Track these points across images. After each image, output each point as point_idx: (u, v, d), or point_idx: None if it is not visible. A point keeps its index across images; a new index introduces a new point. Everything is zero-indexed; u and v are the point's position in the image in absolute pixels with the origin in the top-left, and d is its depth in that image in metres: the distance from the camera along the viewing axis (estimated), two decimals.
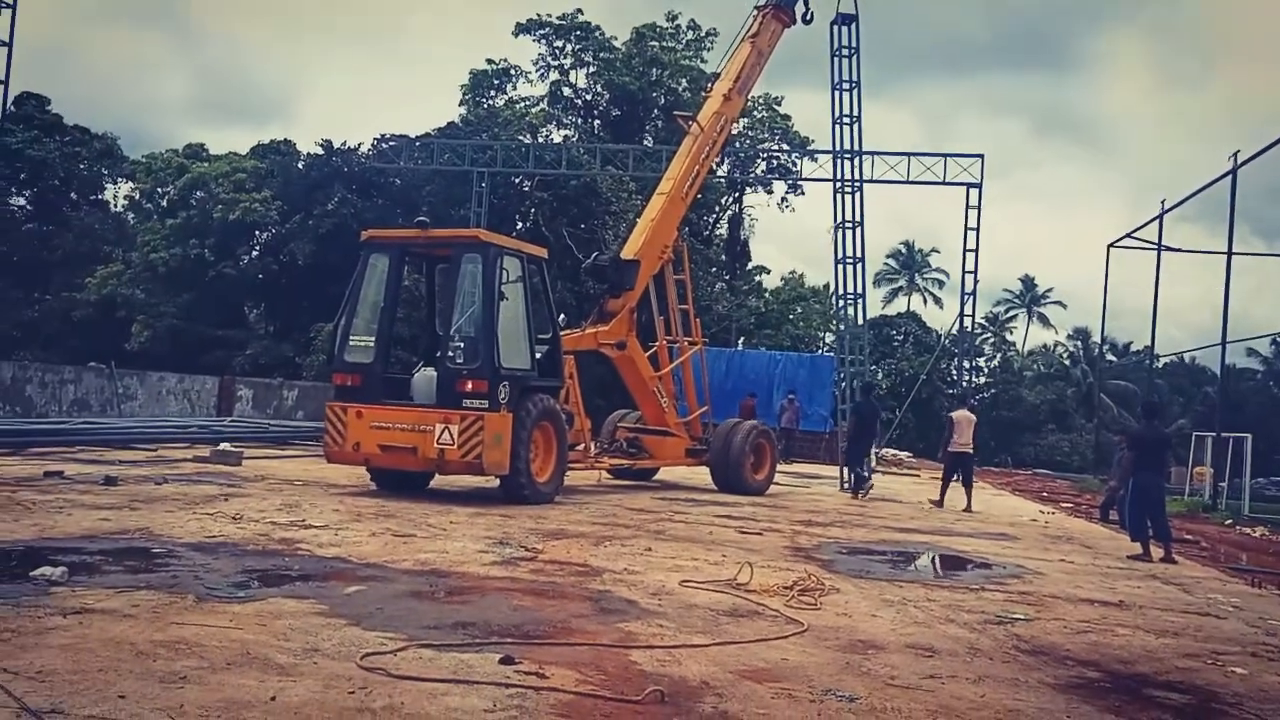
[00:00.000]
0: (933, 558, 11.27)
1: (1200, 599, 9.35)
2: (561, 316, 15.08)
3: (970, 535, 13.66)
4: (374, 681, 4.78)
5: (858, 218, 23.32)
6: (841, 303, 24.32)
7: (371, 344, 13.40)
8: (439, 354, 13.32)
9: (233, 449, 16.22)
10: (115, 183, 46.50)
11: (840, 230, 23.26)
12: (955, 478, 18.57)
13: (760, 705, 4.85)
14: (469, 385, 12.67)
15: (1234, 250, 24.03)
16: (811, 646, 6.18)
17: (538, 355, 13.73)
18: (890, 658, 6.03)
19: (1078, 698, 5.41)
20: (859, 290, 23.77)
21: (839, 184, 23.80)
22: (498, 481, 13.26)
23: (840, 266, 23.39)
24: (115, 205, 47.59)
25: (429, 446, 12.53)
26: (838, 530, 13.06)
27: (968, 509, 17.57)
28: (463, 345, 13.01)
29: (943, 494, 18.34)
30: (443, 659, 5.28)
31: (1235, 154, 23.28)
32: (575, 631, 6.16)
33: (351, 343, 13.51)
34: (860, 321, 25.16)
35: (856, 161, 23.75)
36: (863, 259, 23.49)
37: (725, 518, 13.38)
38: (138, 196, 44.52)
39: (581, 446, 15.51)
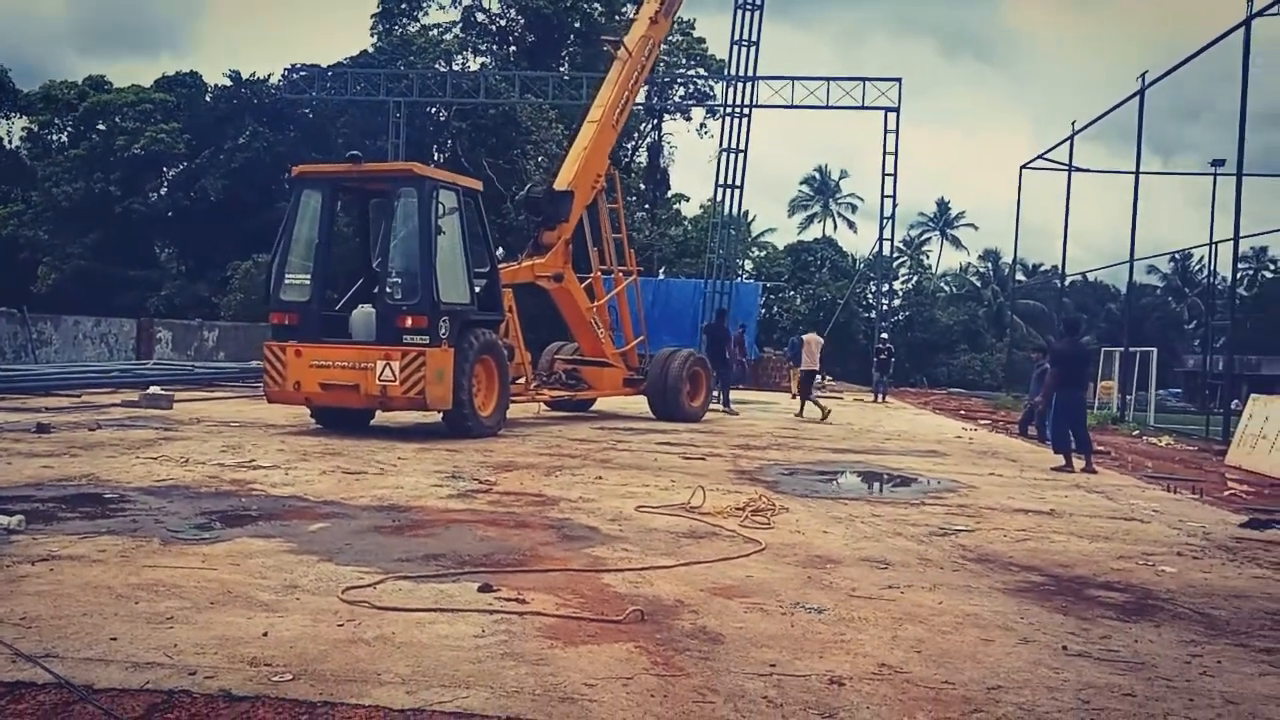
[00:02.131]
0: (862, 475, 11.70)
1: (1123, 505, 9.88)
2: (499, 250, 15.01)
3: (901, 453, 14.14)
4: (360, 614, 4.88)
5: (743, 144, 23.64)
6: (724, 230, 24.86)
7: (308, 282, 13.22)
8: (376, 290, 13.21)
9: (163, 392, 15.94)
10: (8, 118, 44.46)
11: (725, 155, 23.61)
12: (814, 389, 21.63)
13: (735, 619, 5.07)
14: (409, 321, 12.61)
15: (1142, 170, 24.81)
16: (772, 563, 6.43)
17: (476, 289, 13.69)
18: (848, 571, 6.31)
19: (1028, 600, 5.75)
20: (736, 215, 24.33)
21: (729, 109, 24.00)
22: (440, 416, 13.30)
23: (720, 191, 23.82)
24: (9, 142, 45.58)
25: (371, 383, 12.51)
26: (775, 453, 13.41)
27: (800, 415, 20.80)
28: (401, 281, 12.94)
29: (803, 407, 21.28)
30: (422, 590, 5.39)
31: (1144, 75, 23.87)
32: (544, 558, 6.32)
33: (287, 281, 13.31)
34: (723, 249, 25.92)
35: (750, 86, 23.92)
36: (742, 185, 23.94)
37: (666, 444, 13.63)
38: (36, 129, 42.63)
39: (522, 380, 15.57)
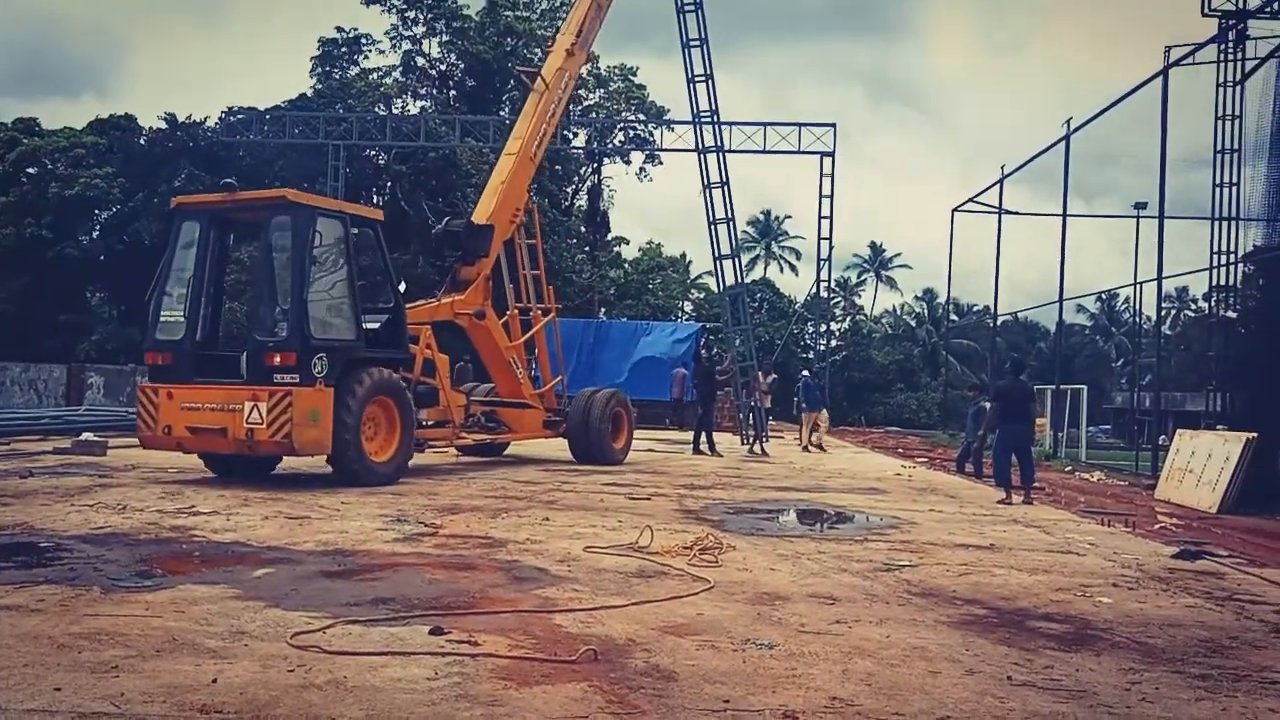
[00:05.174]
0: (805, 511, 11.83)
1: (1060, 539, 10.10)
2: (402, 284, 14.41)
3: (843, 490, 14.30)
4: (310, 659, 4.82)
5: (724, 178, 23.65)
6: (718, 264, 24.50)
7: (182, 319, 12.46)
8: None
9: (96, 438, 15.60)
10: None
11: (709, 191, 23.61)
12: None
13: (688, 657, 5.11)
14: (276, 358, 11.72)
15: (1069, 213, 25.61)
16: (721, 601, 6.48)
17: (372, 325, 13.01)
18: (796, 607, 6.38)
19: (972, 632, 5.86)
20: (734, 249, 24.22)
21: (701, 149, 24.01)
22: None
23: (713, 228, 23.73)
24: None
25: (238, 426, 11.60)
26: (720, 492, 13.49)
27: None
28: (270, 315, 12.17)
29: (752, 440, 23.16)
30: (372, 634, 5.35)
31: (1069, 121, 24.69)
32: (494, 600, 6.30)
33: (163, 319, 12.53)
34: (729, 282, 25.64)
35: (715, 120, 23.99)
36: (733, 219, 23.91)
37: (611, 485, 13.64)
38: None
39: (450, 425, 14.96)
